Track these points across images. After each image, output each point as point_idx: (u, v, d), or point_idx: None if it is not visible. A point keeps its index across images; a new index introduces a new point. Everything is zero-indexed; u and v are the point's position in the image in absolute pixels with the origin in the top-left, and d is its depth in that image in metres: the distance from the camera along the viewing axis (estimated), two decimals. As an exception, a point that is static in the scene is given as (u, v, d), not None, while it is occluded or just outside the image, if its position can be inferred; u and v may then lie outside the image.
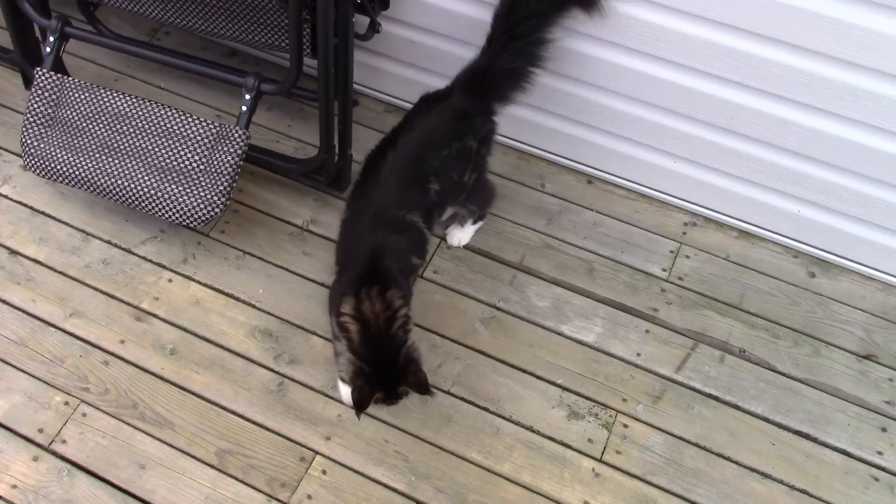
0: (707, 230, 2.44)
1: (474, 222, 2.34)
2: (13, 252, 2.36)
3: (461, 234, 2.35)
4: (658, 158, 2.36)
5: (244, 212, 2.45)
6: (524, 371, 2.17)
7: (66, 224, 2.41)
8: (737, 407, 2.12)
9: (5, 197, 2.46)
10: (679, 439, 2.07)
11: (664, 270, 2.35)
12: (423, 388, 1.77)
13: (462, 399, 2.12)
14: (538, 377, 2.16)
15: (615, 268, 2.36)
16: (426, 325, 2.22)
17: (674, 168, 2.35)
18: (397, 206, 1.93)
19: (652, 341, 2.22)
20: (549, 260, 2.37)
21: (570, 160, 2.52)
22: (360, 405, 1.76)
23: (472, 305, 2.28)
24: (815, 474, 2.02)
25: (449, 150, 2.00)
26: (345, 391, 2.05)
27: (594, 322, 2.25)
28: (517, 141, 2.57)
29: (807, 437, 2.08)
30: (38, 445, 2.03)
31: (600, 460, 2.03)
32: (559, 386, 2.14)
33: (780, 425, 2.09)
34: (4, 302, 2.26)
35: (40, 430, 2.05)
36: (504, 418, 2.09)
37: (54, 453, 2.02)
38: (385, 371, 1.78)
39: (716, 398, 2.13)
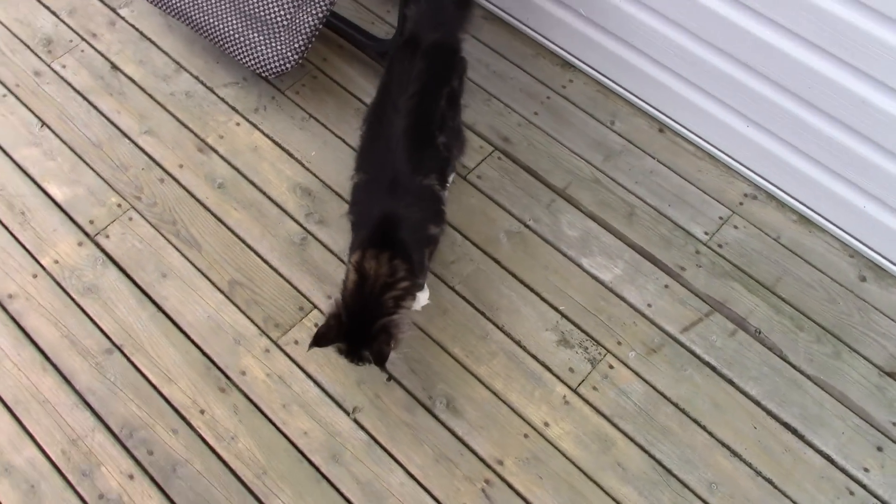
0: (766, 206, 2.32)
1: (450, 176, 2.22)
2: (115, 67, 2.59)
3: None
4: (732, 118, 2.25)
5: (322, 79, 2.56)
6: (531, 289, 2.18)
7: (166, 53, 2.62)
8: (731, 382, 2.05)
9: (122, 18, 2.69)
10: (660, 394, 2.04)
11: (706, 234, 2.27)
12: (380, 360, 1.75)
13: (463, 298, 2.17)
14: (542, 299, 2.17)
15: (657, 218, 2.30)
16: (453, 222, 2.27)
17: (745, 132, 2.24)
18: (413, 172, 1.89)
19: (667, 297, 2.17)
20: (592, 194, 2.34)
21: (647, 103, 2.45)
22: (317, 340, 1.76)
23: (502, 216, 2.30)
24: (789, 469, 1.94)
25: (443, 100, 1.98)
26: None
27: (616, 263, 2.23)
28: (599, 73, 2.52)
29: (794, 431, 1.99)
30: (86, 234, 2.27)
31: (574, 390, 2.04)
32: (560, 312, 2.15)
33: (769, 412, 2.01)
34: (95, 108, 2.50)
35: (91, 222, 2.29)
36: (496, 326, 2.13)
37: (97, 244, 2.25)
38: (357, 329, 1.77)
39: (712, 367, 2.07)
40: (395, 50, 2.07)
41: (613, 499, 1.91)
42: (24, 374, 2.06)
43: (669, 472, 1.94)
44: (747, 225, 2.29)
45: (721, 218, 2.30)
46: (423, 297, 2.07)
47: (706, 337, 2.12)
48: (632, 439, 1.98)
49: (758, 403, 2.03)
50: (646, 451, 1.96)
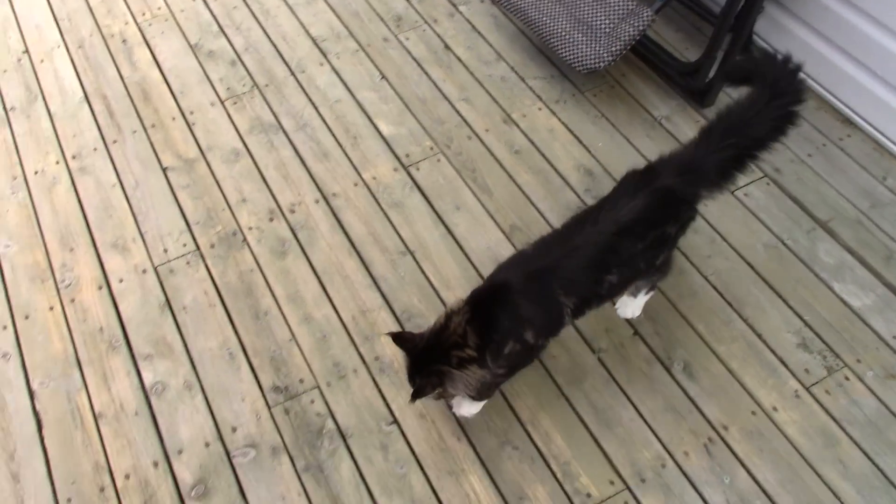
0: None
1: (647, 293, 2.25)
2: (447, 47, 3.10)
3: (633, 306, 2.29)
4: None
5: (618, 90, 2.92)
6: (779, 295, 2.35)
7: (490, 45, 3.10)
8: (969, 423, 2.10)
9: (460, 12, 3.23)
10: (892, 414, 2.12)
11: (963, 291, 2.35)
12: (415, 394, 1.83)
13: (713, 287, 2.38)
14: (789, 306, 2.33)
15: (914, 267, 2.41)
16: (714, 224, 2.51)
17: None
18: (559, 282, 1.86)
19: (914, 335, 2.27)
20: (853, 232, 2.49)
21: (923, 167, 2.59)
22: (397, 335, 1.88)
23: (761, 231, 2.50)
24: None
25: (644, 242, 1.92)
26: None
27: (867, 295, 2.35)
28: (880, 132, 2.69)
29: None
30: (401, 163, 2.73)
31: (807, 388, 2.17)
32: (804, 321, 2.30)
33: None
34: (426, 73, 3.01)
35: (406, 155, 2.74)
36: (740, 317, 2.31)
37: (408, 172, 2.70)
38: (421, 359, 1.86)
39: (951, 406, 2.13)
40: (631, 172, 2.02)
41: (831, 489, 2.00)
42: (334, 253, 2.49)
43: (891, 482, 2.00)
44: None
45: (981, 281, 2.37)
46: (471, 408, 2.12)
47: (949, 378, 2.18)
48: (857, 444, 2.07)
49: None
50: (870, 459, 2.04)
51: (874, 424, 2.10)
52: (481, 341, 1.82)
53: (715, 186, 1.99)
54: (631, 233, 1.87)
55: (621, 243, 1.87)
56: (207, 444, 2.13)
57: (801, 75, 1.96)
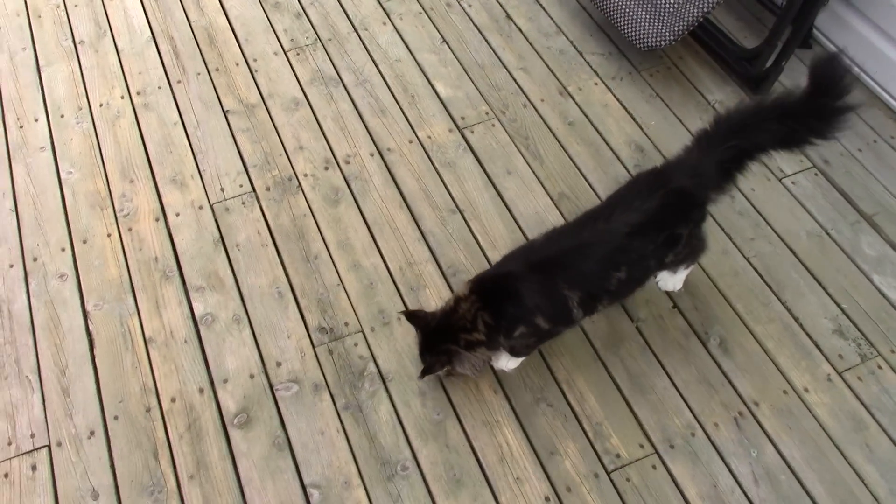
0: None
1: (686, 267, 2.29)
2: (509, 17, 3.15)
3: (674, 280, 2.33)
4: None
5: (674, 72, 2.96)
6: (819, 282, 2.39)
7: (551, 18, 3.14)
8: None
9: (523, -15, 3.27)
10: (922, 405, 2.16)
11: None
12: (424, 371, 2.02)
13: (754, 269, 2.42)
14: (828, 293, 2.37)
15: (956, 267, 2.44)
16: (759, 209, 2.54)
17: None
18: (563, 275, 1.92)
19: (950, 332, 2.30)
20: (898, 228, 2.53)
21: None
22: (411, 313, 2.03)
23: (806, 218, 2.54)
24: None
25: (655, 243, 1.96)
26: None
27: (906, 289, 2.39)
28: (932, 134, 2.71)
29: None
30: (456, 125, 2.79)
31: (840, 373, 2.21)
32: (841, 309, 2.34)
33: None
34: (486, 41, 3.06)
35: (462, 118, 2.80)
36: (779, 299, 2.36)
37: (462, 134, 2.75)
38: (432, 337, 2.00)
39: (981, 402, 2.17)
40: (643, 173, 2.09)
41: (855, 471, 2.05)
42: (386, 206, 2.56)
43: (915, 470, 2.05)
44: None
45: None
46: (509, 363, 2.19)
47: (981, 377, 2.22)
48: (885, 430, 2.11)
49: None
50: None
51: (903, 414, 2.15)
52: (489, 327, 1.93)
53: (719, 187, 2.03)
54: (643, 233, 1.92)
55: (632, 243, 1.92)
56: (252, 376, 2.22)
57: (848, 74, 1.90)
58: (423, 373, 2.03)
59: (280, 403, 2.17)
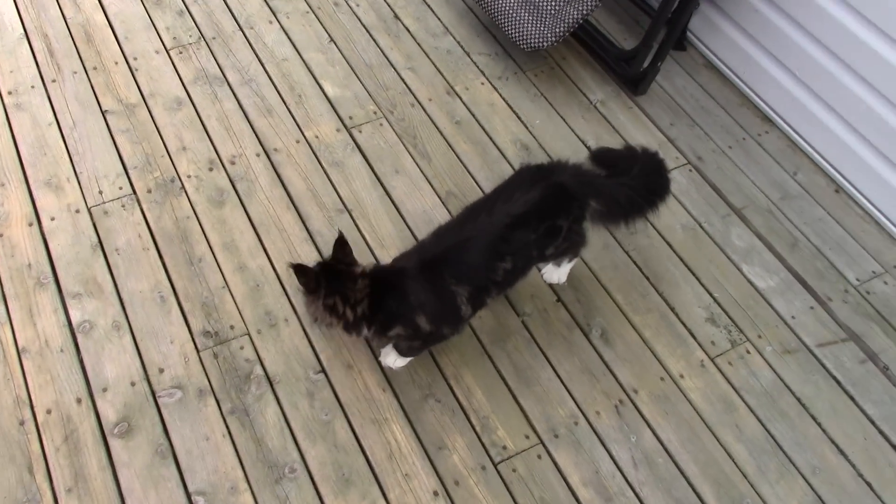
0: (918, 277, 2.59)
1: (570, 261, 2.36)
2: (397, 17, 3.16)
3: (559, 273, 2.39)
4: (908, 191, 2.56)
5: (557, 72, 3.04)
6: (692, 273, 2.51)
7: (439, 19, 3.18)
8: (852, 398, 2.29)
9: (411, -15, 3.29)
10: (786, 386, 2.29)
11: (857, 280, 2.55)
12: (300, 271, 1.88)
13: (633, 262, 2.52)
14: (701, 283, 2.49)
15: (815, 255, 2.60)
16: (639, 205, 2.64)
17: (917, 205, 2.54)
18: (450, 271, 1.94)
19: (811, 316, 2.45)
20: (764, 220, 2.67)
21: (830, 164, 2.79)
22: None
23: (681, 212, 2.66)
24: (889, 480, 2.14)
25: (537, 233, 2.01)
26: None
27: (772, 277, 2.52)
28: (795, 130, 2.88)
29: (900, 453, 2.20)
30: (344, 125, 2.78)
31: (712, 359, 2.33)
32: (713, 298, 2.46)
33: (881, 432, 2.23)
34: (374, 40, 3.06)
35: (350, 118, 2.80)
36: (656, 290, 2.46)
37: (350, 134, 2.75)
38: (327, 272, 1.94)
39: (837, 381, 2.32)
40: (525, 167, 2.15)
41: (725, 450, 2.16)
42: (272, 206, 2.53)
43: (780, 447, 2.18)
44: (897, 284, 2.56)
45: (874, 272, 2.58)
46: (397, 361, 2.20)
47: (838, 357, 2.37)
48: (752, 411, 2.24)
49: (872, 422, 2.25)
50: (763, 425, 2.21)
51: (769, 394, 2.27)
52: (363, 315, 1.91)
53: (599, 195, 2.10)
54: (524, 223, 1.97)
55: (514, 233, 1.97)
56: (133, 384, 2.15)
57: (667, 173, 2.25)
58: (299, 272, 1.88)
59: (163, 410, 2.11)
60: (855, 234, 2.67)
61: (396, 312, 1.95)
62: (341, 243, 1.92)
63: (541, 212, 2.00)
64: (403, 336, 2.03)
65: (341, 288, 1.91)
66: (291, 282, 2.36)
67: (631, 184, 2.11)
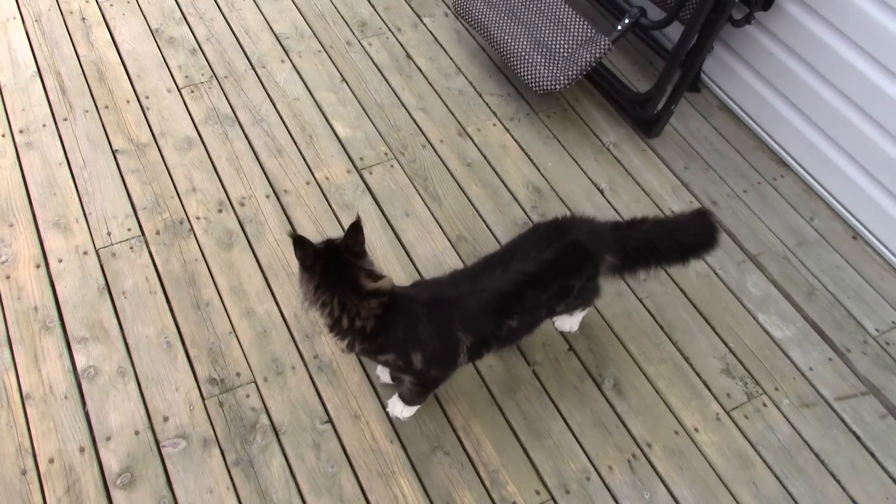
0: (938, 327, 2.53)
1: (582, 310, 2.34)
2: (409, 56, 3.15)
3: (570, 322, 2.37)
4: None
5: (570, 113, 3.02)
6: (707, 322, 2.46)
7: (451, 58, 3.16)
8: (872, 454, 2.23)
9: (423, 24, 3.28)
10: (804, 442, 2.23)
11: (877, 330, 2.49)
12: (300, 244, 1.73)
13: (647, 309, 2.47)
14: (716, 332, 2.44)
15: (833, 304, 2.54)
16: (653, 250, 2.60)
17: (937, 254, 2.49)
18: (459, 317, 1.90)
19: (829, 368, 2.39)
20: (780, 267, 2.62)
21: (848, 211, 2.74)
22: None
23: (695, 260, 2.61)
24: (911, 543, 2.08)
25: (548, 293, 1.97)
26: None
27: (788, 327, 2.47)
28: (811, 175, 2.84)
29: (923, 514, 2.13)
30: (354, 166, 2.76)
31: (728, 412, 2.27)
32: (729, 348, 2.41)
33: (903, 491, 2.17)
34: (386, 80, 3.05)
35: (361, 159, 2.78)
36: (670, 339, 2.41)
37: (361, 175, 2.73)
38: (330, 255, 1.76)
39: (857, 436, 2.26)
40: (541, 223, 2.09)
41: (742, 509, 2.11)
42: (281, 249, 2.51)
43: (798, 505, 2.12)
44: (917, 335, 2.50)
45: (893, 322, 2.52)
46: (404, 411, 2.17)
47: (857, 411, 2.31)
48: (770, 467, 2.18)
49: (894, 480, 2.18)
50: (780, 482, 2.15)
51: (786, 450, 2.21)
52: (362, 331, 1.80)
53: (611, 249, 2.04)
54: (538, 284, 1.93)
55: (527, 292, 1.93)
56: (137, 433, 2.12)
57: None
58: (297, 244, 1.72)
59: (167, 461, 2.08)
60: (873, 282, 2.61)
61: (400, 342, 1.88)
62: (355, 228, 1.74)
63: (555, 272, 1.96)
64: (390, 364, 1.97)
65: (346, 293, 1.76)
66: (299, 328, 2.33)
67: (654, 231, 2.07)
